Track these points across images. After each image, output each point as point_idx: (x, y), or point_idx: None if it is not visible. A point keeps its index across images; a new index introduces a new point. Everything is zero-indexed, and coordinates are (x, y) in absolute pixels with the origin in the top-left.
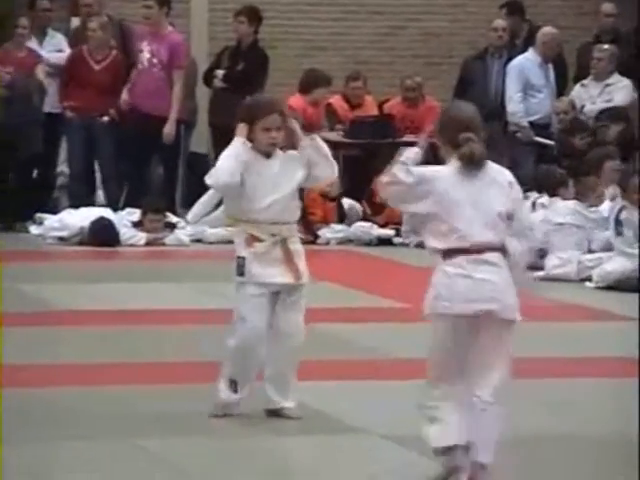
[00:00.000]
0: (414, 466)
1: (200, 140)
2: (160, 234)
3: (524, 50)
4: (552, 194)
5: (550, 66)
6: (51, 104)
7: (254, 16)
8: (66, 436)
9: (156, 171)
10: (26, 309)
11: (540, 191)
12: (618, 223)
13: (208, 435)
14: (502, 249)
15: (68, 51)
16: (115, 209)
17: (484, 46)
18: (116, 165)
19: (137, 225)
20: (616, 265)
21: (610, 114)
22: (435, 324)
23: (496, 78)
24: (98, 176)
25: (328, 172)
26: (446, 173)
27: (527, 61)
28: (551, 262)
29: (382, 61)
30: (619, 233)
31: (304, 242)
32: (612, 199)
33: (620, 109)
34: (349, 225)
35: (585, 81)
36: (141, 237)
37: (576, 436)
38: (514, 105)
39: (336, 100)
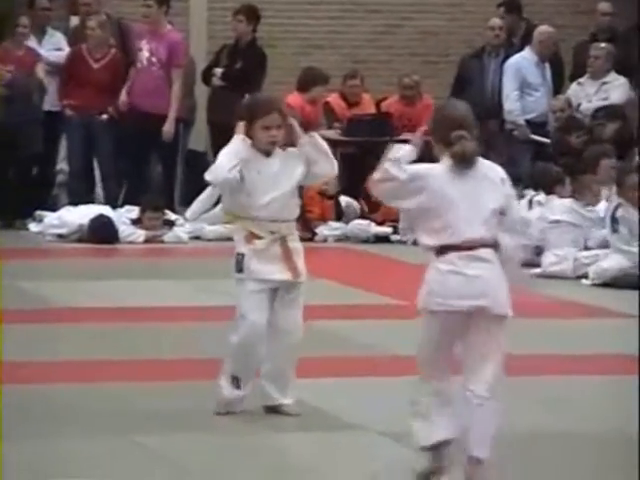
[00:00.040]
0: (412, 462)
1: (199, 138)
2: (159, 231)
3: (521, 49)
4: (549, 192)
5: (547, 65)
6: (50, 102)
7: (252, 15)
8: (65, 433)
9: (155, 169)
10: (25, 306)
11: (537, 189)
12: (614, 221)
13: (207, 432)
14: (494, 245)
15: (67, 50)
16: (114, 207)
17: (481, 45)
18: (115, 163)
19: (136, 222)
20: (612, 262)
21: (607, 112)
22: (427, 320)
23: (493, 77)
24: (97, 174)
25: (328, 169)
26: (439, 170)
27: (524, 60)
28: (547, 259)
29: (379, 59)
30: (615, 230)
31: (302, 239)
32: (608, 200)
33: (616, 107)
34: (347, 223)
35: (581, 79)
36: (140, 234)
37: (573, 433)
38: (511, 103)
39: (334, 98)
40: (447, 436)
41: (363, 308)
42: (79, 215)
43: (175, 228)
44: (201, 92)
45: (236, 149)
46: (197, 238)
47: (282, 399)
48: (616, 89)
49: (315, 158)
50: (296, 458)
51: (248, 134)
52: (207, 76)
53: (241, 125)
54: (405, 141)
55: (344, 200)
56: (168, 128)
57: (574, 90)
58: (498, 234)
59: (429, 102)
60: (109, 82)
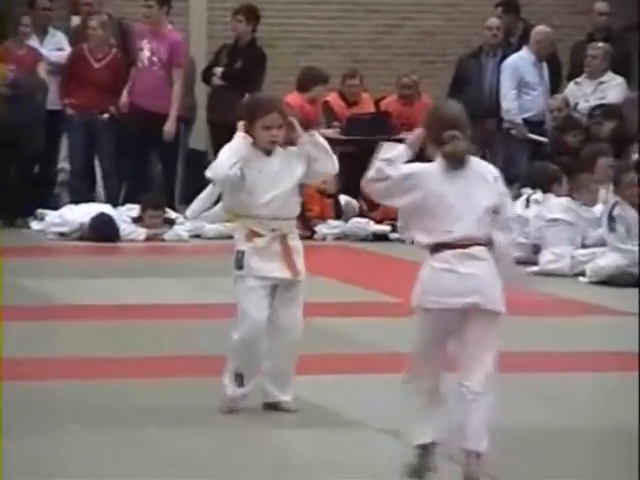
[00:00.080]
0: (410, 459)
1: (199, 137)
2: (159, 230)
3: (518, 48)
4: (546, 190)
5: (544, 64)
6: (52, 101)
7: (252, 15)
8: (66, 429)
9: (155, 168)
10: (27, 304)
11: (534, 187)
12: (611, 219)
13: (207, 428)
14: (488, 243)
15: (68, 49)
16: (115, 205)
17: (479, 45)
18: (116, 162)
19: (137, 221)
20: (609, 260)
21: (604, 111)
22: (421, 318)
23: (490, 76)
24: (98, 172)
25: (328, 167)
26: (432, 169)
27: (521, 59)
28: (545, 257)
29: (378, 59)
30: (612, 229)
31: (301, 237)
32: (605, 202)
33: (614, 106)
34: (346, 221)
35: (579, 79)
36: (141, 233)
37: (570, 429)
38: (508, 103)
39: (333, 98)
40: (434, 439)
41: (362, 305)
42: (80, 213)
43: (175, 226)
44: (201, 91)
45: (237, 147)
46: (197, 236)
47: (281, 396)
48: (613, 88)
49: (316, 156)
50: (296, 454)
51: (249, 134)
52: (207, 76)
53: (242, 125)
54: (403, 140)
55: (343, 199)
56: (169, 127)
57: (571, 89)
58: (491, 232)
59: (427, 101)
60: (110, 81)
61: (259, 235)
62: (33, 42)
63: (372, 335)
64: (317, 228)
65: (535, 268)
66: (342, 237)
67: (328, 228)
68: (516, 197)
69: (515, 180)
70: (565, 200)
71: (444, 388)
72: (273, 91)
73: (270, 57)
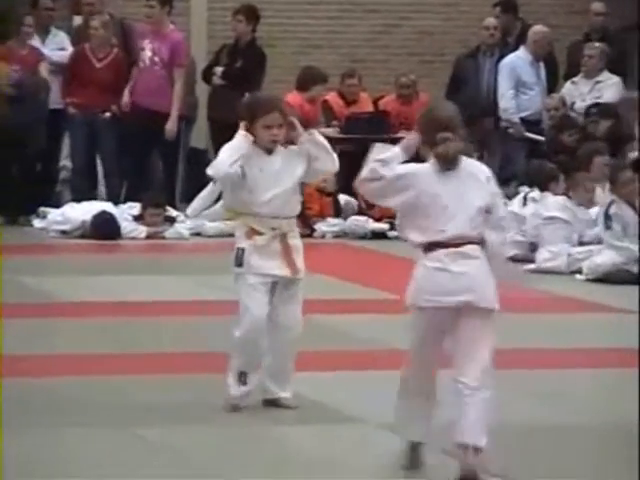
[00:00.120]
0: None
1: (200, 136)
2: (160, 228)
3: (516, 48)
4: (543, 189)
5: (541, 64)
6: (53, 100)
7: (252, 15)
8: (66, 425)
9: (156, 166)
10: (29, 301)
11: (531, 185)
12: (608, 217)
13: (207, 424)
14: (480, 242)
15: (70, 49)
16: (116, 203)
17: (476, 44)
18: (117, 160)
19: (138, 219)
20: (605, 258)
21: (600, 110)
22: (415, 316)
23: (488, 76)
24: (100, 171)
25: (329, 165)
26: (425, 170)
27: (518, 59)
28: (542, 255)
29: (377, 59)
30: (608, 227)
31: (301, 235)
32: (602, 201)
33: (610, 105)
34: (345, 219)
35: (575, 78)
36: (142, 230)
37: (567, 426)
38: (506, 102)
39: (332, 97)
40: (422, 439)
41: (361, 303)
42: (82, 211)
43: (176, 224)
44: (202, 90)
45: (238, 145)
46: (198, 234)
47: (281, 392)
48: (609, 88)
49: (316, 155)
50: (296, 450)
51: (250, 133)
52: (208, 75)
53: (243, 124)
54: (401, 139)
55: (342, 197)
56: (171, 126)
57: (568, 89)
58: (484, 231)
59: (425, 100)
60: (112, 81)
61: (259, 233)
62: (35, 42)
63: (371, 332)
64: (316, 226)
65: (532, 266)
66: (341, 235)
67: (327, 226)
68: (513, 195)
69: (513, 178)
70: (562, 199)
71: (440, 385)
72: (273, 90)
73: (270, 57)
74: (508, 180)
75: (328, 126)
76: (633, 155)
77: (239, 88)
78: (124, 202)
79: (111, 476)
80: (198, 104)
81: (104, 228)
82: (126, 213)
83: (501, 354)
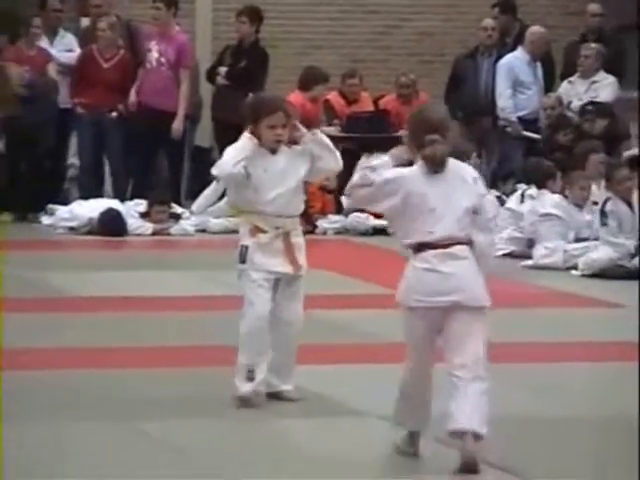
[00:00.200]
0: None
1: (204, 135)
2: (166, 224)
3: (514, 48)
4: (541, 186)
5: (538, 64)
6: (61, 100)
7: (255, 16)
8: (71, 418)
9: (162, 164)
10: (37, 295)
11: (529, 183)
12: (603, 214)
13: (210, 417)
14: (468, 242)
15: (78, 51)
16: (123, 200)
17: (475, 45)
18: (124, 159)
19: (144, 216)
20: (601, 254)
21: (596, 109)
22: (406, 316)
23: (486, 76)
24: (107, 169)
25: (332, 164)
26: (413, 172)
27: (516, 59)
28: (538, 252)
29: (378, 59)
30: (604, 224)
31: (303, 232)
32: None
33: (606, 105)
34: (346, 216)
35: (572, 78)
36: (148, 227)
37: (564, 418)
38: (504, 101)
39: (333, 96)
40: (418, 428)
41: (362, 298)
42: (89, 209)
43: (181, 221)
44: (206, 90)
45: (242, 146)
46: (203, 231)
47: (283, 385)
48: (605, 87)
49: (319, 154)
50: (298, 443)
51: (254, 133)
52: (212, 75)
53: (249, 128)
54: (401, 137)
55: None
56: (177, 126)
57: (565, 88)
58: (472, 232)
59: (425, 100)
60: (118, 81)
61: (263, 231)
62: (43, 43)
63: (372, 326)
64: (318, 223)
65: (529, 262)
66: (342, 231)
67: (329, 223)
68: (511, 192)
69: (510, 176)
70: (558, 198)
71: (435, 378)
72: (275, 90)
73: (272, 57)
74: (506, 177)
75: (329, 125)
76: (628, 153)
77: (242, 88)
78: (130, 199)
79: (115, 468)
80: (202, 104)
81: (111, 225)
82: (132, 210)
83: (499, 348)
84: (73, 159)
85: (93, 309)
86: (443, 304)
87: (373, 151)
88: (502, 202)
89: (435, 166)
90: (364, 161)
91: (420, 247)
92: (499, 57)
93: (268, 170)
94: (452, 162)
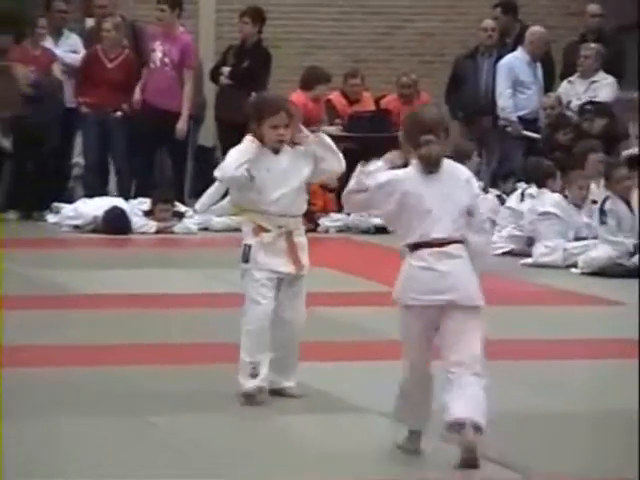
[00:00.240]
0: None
1: (207, 134)
2: (169, 223)
3: (514, 49)
4: (541, 185)
5: (538, 64)
6: (66, 100)
7: (258, 17)
8: (77, 413)
9: (166, 163)
10: (42, 293)
11: (529, 182)
12: (603, 213)
13: (215, 413)
14: (463, 242)
15: (83, 51)
16: (127, 199)
17: (475, 45)
18: (128, 158)
19: (148, 214)
20: (600, 252)
21: (596, 109)
22: (403, 314)
23: (486, 76)
24: (111, 168)
25: (335, 165)
26: (408, 173)
27: (516, 59)
28: (538, 250)
29: (379, 59)
30: (603, 222)
31: (305, 230)
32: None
33: (605, 104)
34: (347, 214)
35: (571, 78)
36: (152, 225)
37: (564, 414)
38: (504, 101)
39: (335, 96)
40: (418, 427)
41: (364, 295)
42: (94, 207)
43: (185, 219)
44: (209, 90)
45: (244, 149)
46: (206, 229)
47: (285, 382)
48: (604, 87)
49: (322, 155)
50: (300, 438)
51: (256, 133)
52: (215, 75)
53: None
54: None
55: None
56: (181, 126)
57: (564, 88)
58: (467, 233)
59: (426, 100)
60: (123, 81)
61: (266, 230)
62: (48, 43)
63: (374, 323)
64: (320, 221)
65: (529, 260)
66: (344, 229)
67: (331, 221)
68: (511, 191)
69: (510, 175)
70: (557, 197)
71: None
72: (278, 90)
73: (275, 57)
74: (506, 177)
75: (331, 124)
76: (627, 152)
77: (245, 88)
78: (134, 198)
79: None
80: (206, 103)
81: (115, 223)
82: (136, 209)
83: (499, 345)
84: (78, 158)
85: (97, 306)
86: (439, 302)
87: (374, 152)
88: (502, 201)
89: (430, 166)
90: (360, 168)
91: (416, 246)
92: (499, 57)
93: (271, 170)
94: (446, 162)
